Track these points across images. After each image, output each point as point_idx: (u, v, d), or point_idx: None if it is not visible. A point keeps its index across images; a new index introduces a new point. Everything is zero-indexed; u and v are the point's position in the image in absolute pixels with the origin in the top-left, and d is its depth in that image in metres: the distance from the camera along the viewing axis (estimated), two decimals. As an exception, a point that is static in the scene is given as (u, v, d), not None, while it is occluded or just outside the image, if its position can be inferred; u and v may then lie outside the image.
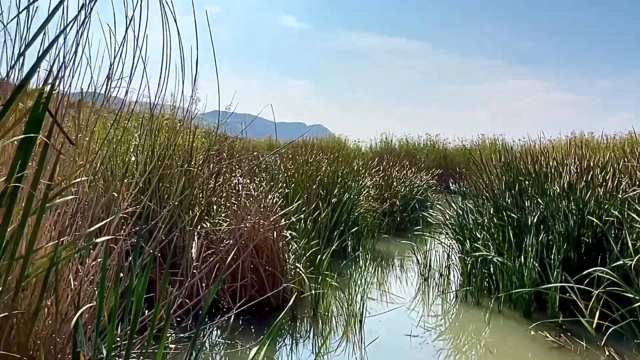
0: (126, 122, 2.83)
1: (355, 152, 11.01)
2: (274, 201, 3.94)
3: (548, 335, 3.14)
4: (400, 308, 3.76)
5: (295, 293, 3.47)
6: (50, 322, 1.27)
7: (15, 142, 1.05)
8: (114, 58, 2.00)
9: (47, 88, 1.01)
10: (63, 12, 1.70)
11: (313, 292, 3.49)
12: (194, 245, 3.36)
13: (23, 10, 1.64)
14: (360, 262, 5.28)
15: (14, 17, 1.73)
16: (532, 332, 3.22)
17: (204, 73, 2.94)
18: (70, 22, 1.15)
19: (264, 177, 5.07)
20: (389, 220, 7.02)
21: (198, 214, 3.59)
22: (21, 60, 1.47)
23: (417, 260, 4.72)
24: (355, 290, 3.67)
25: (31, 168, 0.99)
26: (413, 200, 7.70)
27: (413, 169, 9.10)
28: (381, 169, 8.05)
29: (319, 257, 3.82)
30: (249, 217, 3.59)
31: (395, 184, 7.66)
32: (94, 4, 1.64)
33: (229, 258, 3.26)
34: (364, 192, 6.37)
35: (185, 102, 3.42)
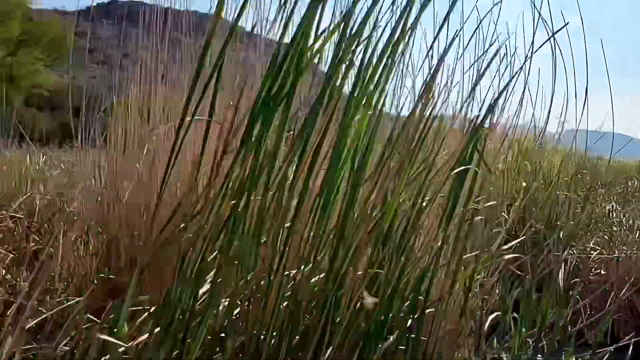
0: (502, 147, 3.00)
1: None
2: (654, 232, 3.54)
3: None
4: None
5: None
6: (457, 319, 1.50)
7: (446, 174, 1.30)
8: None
9: (481, 131, 1.23)
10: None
11: None
12: (560, 271, 3.29)
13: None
14: None
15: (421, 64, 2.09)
16: None
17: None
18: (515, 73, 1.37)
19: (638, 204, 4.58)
20: None
21: (564, 239, 3.51)
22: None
23: None
24: None
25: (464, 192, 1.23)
26: None
27: None
28: None
29: None
30: (623, 247, 3.32)
31: None
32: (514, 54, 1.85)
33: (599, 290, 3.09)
34: None
35: (552, 125, 3.41)
